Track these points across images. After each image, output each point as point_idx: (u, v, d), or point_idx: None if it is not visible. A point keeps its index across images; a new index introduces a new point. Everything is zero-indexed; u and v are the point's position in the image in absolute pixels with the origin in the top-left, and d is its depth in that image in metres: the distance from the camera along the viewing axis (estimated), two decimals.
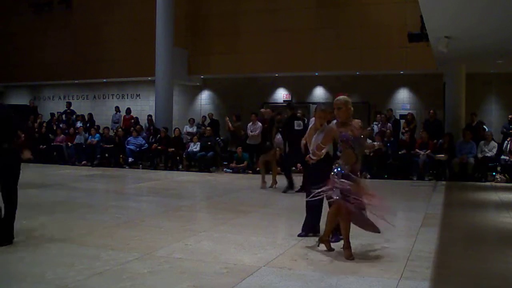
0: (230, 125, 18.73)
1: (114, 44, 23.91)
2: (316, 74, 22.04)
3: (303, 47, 21.29)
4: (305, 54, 21.26)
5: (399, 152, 16.65)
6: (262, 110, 19.20)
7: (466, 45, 14.39)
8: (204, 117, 22.21)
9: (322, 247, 6.88)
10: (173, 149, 19.06)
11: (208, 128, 19.57)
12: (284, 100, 22.47)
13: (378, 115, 18.74)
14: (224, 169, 18.51)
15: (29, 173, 13.61)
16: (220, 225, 8.65)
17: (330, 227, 6.82)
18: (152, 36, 21.42)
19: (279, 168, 17.08)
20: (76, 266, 5.94)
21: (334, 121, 6.85)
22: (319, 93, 22.34)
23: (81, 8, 25.32)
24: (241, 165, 17.96)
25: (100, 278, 5.55)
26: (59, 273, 5.66)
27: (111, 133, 20.98)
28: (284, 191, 12.80)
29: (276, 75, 22.77)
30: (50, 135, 21.39)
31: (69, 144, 20.73)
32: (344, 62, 20.70)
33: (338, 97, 6.76)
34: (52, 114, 24.18)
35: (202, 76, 24.11)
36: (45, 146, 20.60)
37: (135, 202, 11.88)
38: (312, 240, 7.39)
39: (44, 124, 21.99)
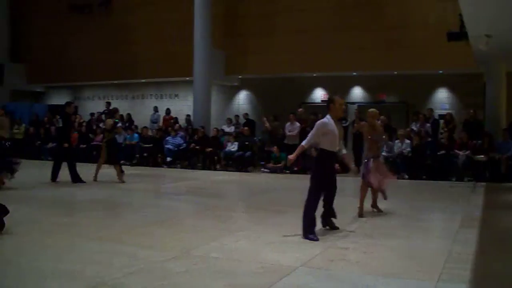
0: (268, 124, 18.75)
1: (153, 45, 24.12)
2: (354, 74, 21.89)
3: (340, 47, 21.05)
4: (342, 53, 21.05)
5: (438, 153, 16.44)
6: (299, 110, 19.22)
7: (507, 43, 14.14)
8: (237, 116, 22.24)
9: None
10: (211, 148, 19.16)
11: (246, 128, 19.63)
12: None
13: (416, 115, 18.55)
14: (262, 169, 18.52)
15: (67, 172, 13.88)
16: (257, 225, 8.67)
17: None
18: (190, 36, 21.57)
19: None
20: (114, 264, 6.02)
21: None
22: (357, 92, 22.20)
23: (120, 10, 25.63)
24: (279, 164, 17.95)
25: (137, 276, 5.61)
26: (97, 271, 5.74)
27: (150, 132, 21.21)
28: None
29: (314, 74, 22.68)
30: (90, 134, 21.70)
31: None
32: (382, 61, 20.47)
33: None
34: (92, 114, 24.55)
35: (239, 76, 24.18)
36: (85, 146, 20.89)
37: (172, 201, 11.98)
38: (348, 241, 7.38)
39: (84, 124, 22.32)
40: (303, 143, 7.75)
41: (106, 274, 5.62)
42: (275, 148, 18.12)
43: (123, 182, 14.10)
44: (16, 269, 5.88)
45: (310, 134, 7.76)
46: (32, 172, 16.04)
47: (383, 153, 16.64)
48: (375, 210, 9.93)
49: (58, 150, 14.68)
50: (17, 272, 5.78)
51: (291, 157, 7.91)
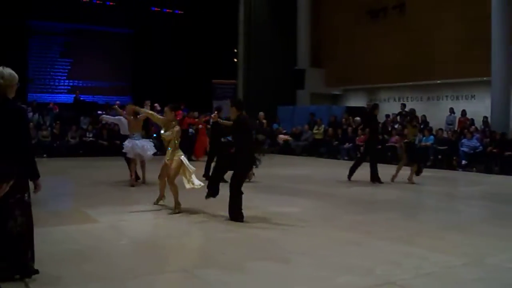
0: None
1: (447, 45, 23.66)
2: None
3: None
4: None
5: None
6: None
7: None
8: None
9: None
10: (510, 152, 18.17)
11: None
12: None
13: None
14: None
15: (363, 171, 14.40)
16: None
17: None
18: (486, 34, 20.75)
19: None
20: (403, 265, 6.17)
21: None
22: None
23: (413, 11, 25.59)
24: None
25: (426, 279, 5.68)
26: (387, 270, 5.95)
27: (445, 134, 20.86)
28: None
29: None
30: (385, 136, 22.05)
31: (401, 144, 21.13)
32: None
33: None
34: (387, 116, 24.92)
35: None
36: (380, 147, 21.26)
37: (466, 206, 11.68)
38: None
39: (380, 125, 22.72)
40: None
41: (395, 274, 5.80)
42: None
43: (413, 183, 14.16)
44: (308, 260, 6.40)
45: None
46: (329, 171, 17.00)
47: None
48: None
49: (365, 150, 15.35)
50: (310, 262, 6.29)
51: None
